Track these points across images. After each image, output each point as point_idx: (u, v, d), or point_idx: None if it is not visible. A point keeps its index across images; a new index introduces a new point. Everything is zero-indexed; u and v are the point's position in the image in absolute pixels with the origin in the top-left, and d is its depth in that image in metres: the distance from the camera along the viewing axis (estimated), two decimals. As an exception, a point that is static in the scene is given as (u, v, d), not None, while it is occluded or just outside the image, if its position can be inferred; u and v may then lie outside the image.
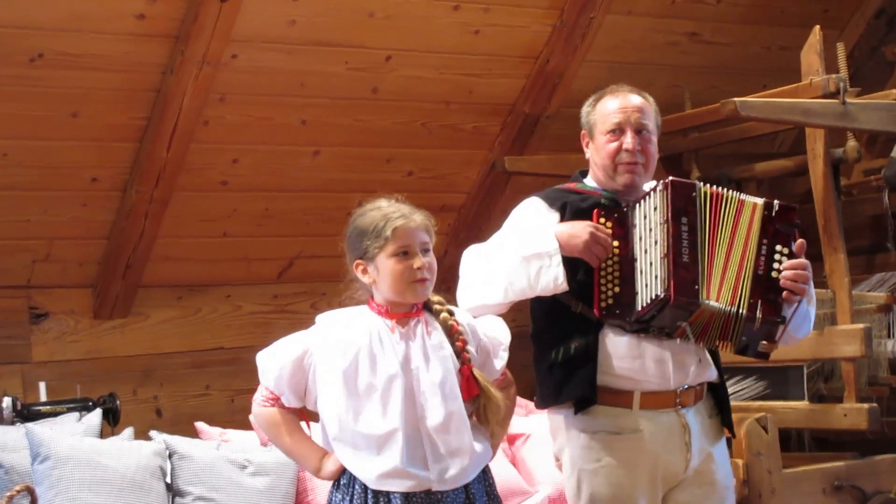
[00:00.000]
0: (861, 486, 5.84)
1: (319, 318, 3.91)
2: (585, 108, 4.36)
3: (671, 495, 4.18)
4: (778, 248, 4.09)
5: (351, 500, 3.78)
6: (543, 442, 5.91)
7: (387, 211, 3.85)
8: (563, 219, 4.17)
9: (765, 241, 4.09)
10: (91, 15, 5.57)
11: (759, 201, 4.13)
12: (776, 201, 4.15)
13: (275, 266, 6.92)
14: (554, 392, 4.18)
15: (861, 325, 5.86)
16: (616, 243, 4.09)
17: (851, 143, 6.22)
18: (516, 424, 5.97)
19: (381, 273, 3.81)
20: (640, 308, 4.02)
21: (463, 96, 6.74)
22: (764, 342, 4.10)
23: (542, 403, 4.28)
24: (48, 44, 5.59)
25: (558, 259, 4.01)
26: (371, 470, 3.73)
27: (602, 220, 4.11)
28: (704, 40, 7.29)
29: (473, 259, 4.18)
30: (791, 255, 4.09)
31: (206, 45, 5.73)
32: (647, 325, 4.07)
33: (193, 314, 6.72)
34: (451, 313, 3.91)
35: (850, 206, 6.79)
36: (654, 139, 4.28)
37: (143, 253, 6.33)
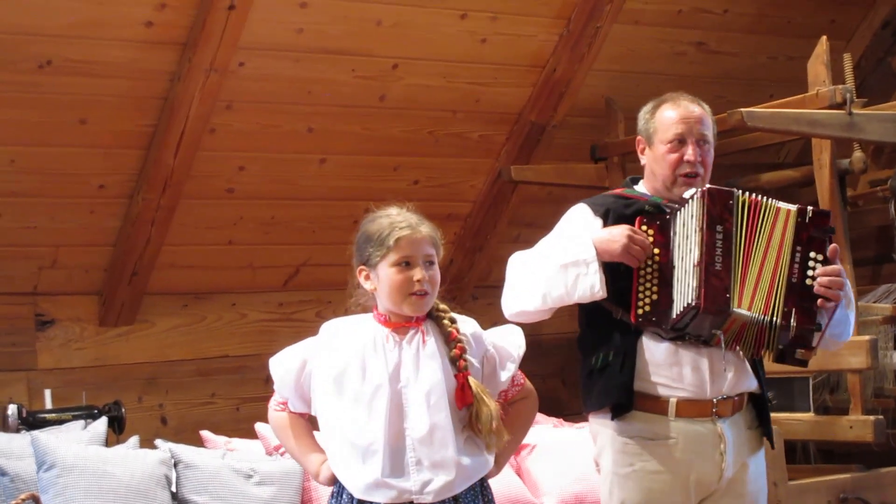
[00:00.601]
0: (866, 499, 5.83)
1: (324, 325, 3.91)
2: (644, 115, 4.34)
3: None
4: (812, 254, 4.07)
5: None
6: (549, 452, 5.92)
7: (394, 220, 3.83)
8: (605, 225, 4.18)
9: (798, 248, 4.07)
10: (99, 22, 5.59)
11: (793, 208, 4.11)
12: (810, 207, 4.13)
13: (281, 274, 6.92)
14: (593, 398, 4.20)
15: (867, 337, 5.85)
16: (657, 250, 4.09)
17: (858, 153, 6.23)
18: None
19: (381, 281, 3.80)
20: (675, 315, 4.02)
21: (469, 105, 6.74)
22: (801, 350, 4.10)
23: (585, 409, 4.30)
24: (56, 50, 5.60)
25: (595, 266, 4.03)
26: (356, 479, 3.73)
27: (644, 227, 4.12)
28: (711, 50, 7.30)
29: (516, 266, 4.22)
30: (825, 261, 4.08)
31: (213, 53, 5.74)
32: (683, 332, 4.07)
33: (199, 322, 6.73)
34: (452, 321, 3.89)
35: (855, 216, 6.80)
36: (712, 149, 4.28)
37: (149, 260, 6.33)
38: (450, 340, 3.83)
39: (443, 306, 3.90)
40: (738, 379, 4.16)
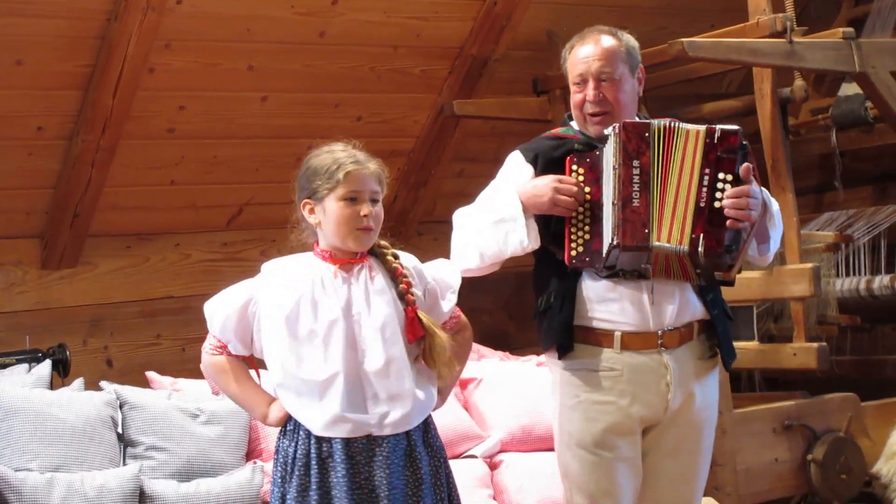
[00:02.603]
0: (811, 425, 5.90)
1: (265, 266, 3.92)
2: (563, 54, 4.32)
3: (649, 435, 4.20)
4: (721, 175, 4.00)
5: (296, 447, 3.79)
6: (496, 386, 5.94)
7: (341, 155, 3.84)
8: (536, 171, 4.17)
9: (707, 170, 4.00)
10: (33, -39, 5.52)
11: (702, 128, 4.04)
12: (718, 126, 4.04)
13: (224, 213, 6.89)
14: (542, 338, 4.23)
15: (809, 265, 5.89)
16: (588, 189, 4.07)
17: (799, 82, 6.24)
18: (468, 369, 5.98)
19: (327, 215, 3.80)
20: (604, 254, 4.02)
21: (411, 40, 6.71)
22: (719, 273, 4.10)
23: (542, 349, 4.33)
24: (-10, -9, 5.53)
25: (522, 221, 4.05)
26: (314, 416, 3.76)
27: (574, 166, 4.10)
28: (652, -19, 7.29)
29: (457, 224, 4.25)
30: (736, 181, 4.00)
31: (150, -9, 5.68)
32: (615, 269, 4.07)
33: (142, 263, 6.69)
34: (395, 256, 3.91)
35: (797, 145, 6.83)
36: (626, 83, 4.21)
37: (91, 202, 6.28)
38: (396, 276, 3.86)
39: (384, 242, 3.92)
40: (681, 309, 4.16)
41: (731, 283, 4.17)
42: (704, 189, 4.00)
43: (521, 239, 4.07)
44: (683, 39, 5.69)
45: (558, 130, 4.33)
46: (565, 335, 4.14)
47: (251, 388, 3.94)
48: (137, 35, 5.78)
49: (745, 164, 4.02)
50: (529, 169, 4.20)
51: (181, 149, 6.48)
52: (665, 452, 4.21)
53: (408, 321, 3.82)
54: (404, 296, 3.84)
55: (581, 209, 4.07)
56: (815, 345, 5.90)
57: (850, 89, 6.64)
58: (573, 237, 4.07)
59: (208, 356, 3.96)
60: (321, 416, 3.74)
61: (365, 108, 6.86)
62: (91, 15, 5.78)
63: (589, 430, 4.14)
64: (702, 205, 4.00)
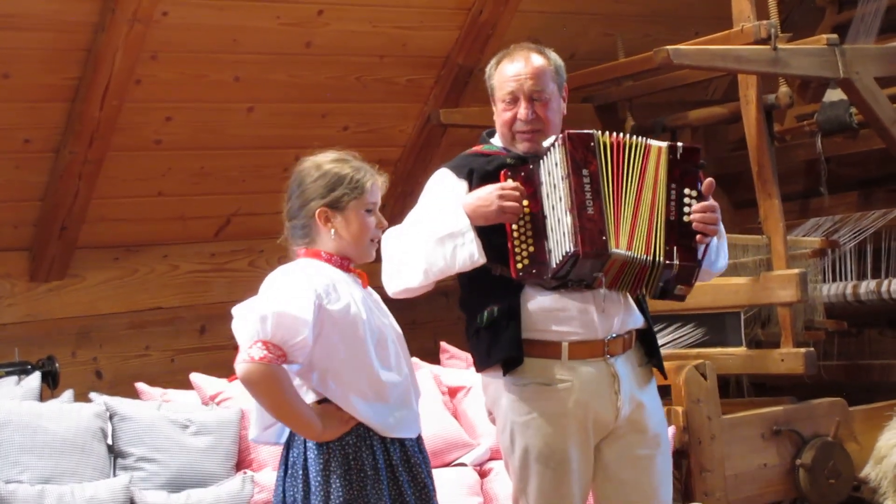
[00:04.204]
0: (799, 430, 5.91)
1: (296, 267, 3.79)
2: (488, 71, 4.30)
3: (603, 445, 4.19)
4: (686, 191, 4.08)
5: (372, 453, 3.75)
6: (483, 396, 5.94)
7: (360, 164, 3.87)
8: (470, 186, 4.15)
9: (673, 185, 4.07)
10: (19, -26, 5.52)
11: (664, 145, 4.10)
12: (679, 143, 4.14)
13: (212, 224, 6.89)
14: (483, 355, 4.18)
15: (796, 271, 5.90)
16: (526, 202, 4.05)
17: (784, 88, 6.26)
18: (458, 378, 6.00)
19: (350, 225, 3.82)
20: (555, 265, 4.01)
21: (397, 49, 6.72)
22: (681, 286, 4.13)
23: (477, 367, 4.29)
24: (-25, 4, 5.53)
25: (471, 235, 4.00)
26: (390, 418, 3.77)
27: (509, 180, 4.09)
28: (637, -11, 7.31)
29: (392, 243, 4.12)
30: (700, 197, 4.09)
31: (136, 3, 5.68)
32: (566, 279, 4.07)
33: (131, 275, 6.68)
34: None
35: (783, 151, 6.85)
36: (554, 102, 4.22)
37: (79, 214, 6.28)
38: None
39: None
40: (625, 317, 4.18)
41: (683, 298, 4.20)
42: (672, 203, 4.07)
43: (471, 253, 4.01)
44: (668, 47, 5.71)
45: (481, 147, 4.32)
46: (515, 349, 4.10)
47: (301, 400, 3.72)
48: (124, 47, 5.80)
49: (709, 180, 4.11)
50: (464, 185, 4.17)
51: (168, 160, 6.49)
52: (627, 459, 4.20)
53: None
54: None
55: (521, 222, 4.06)
56: (802, 350, 5.91)
57: (834, 95, 6.66)
58: (517, 250, 4.05)
59: (257, 366, 3.59)
60: (401, 417, 3.79)
61: (352, 118, 6.88)
62: (77, 27, 5.79)
63: (547, 444, 4.11)
64: (672, 218, 4.06)
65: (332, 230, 3.82)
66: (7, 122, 5.95)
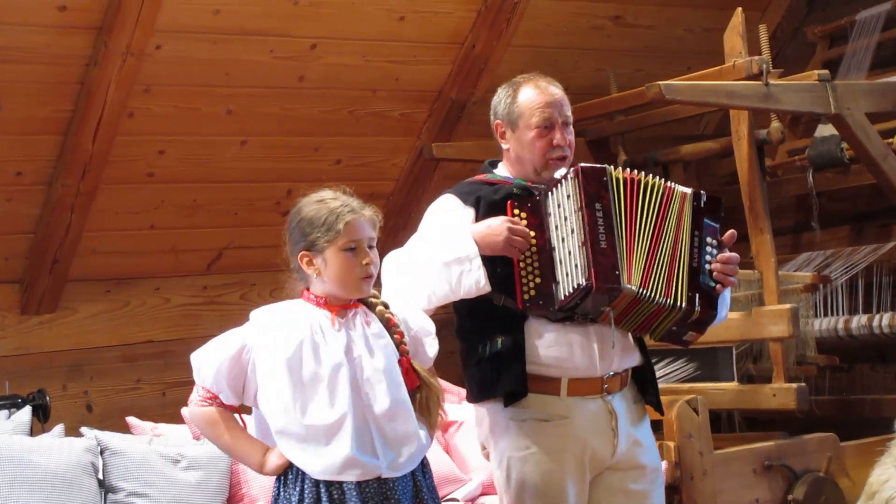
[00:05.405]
0: (791, 466, 5.90)
1: (254, 313, 3.87)
2: (503, 99, 4.32)
3: (599, 480, 4.20)
4: (708, 239, 4.12)
5: (301, 496, 3.74)
6: (476, 429, 5.93)
7: (335, 204, 3.82)
8: (477, 213, 4.16)
9: (696, 232, 4.11)
10: (12, 7, 5.51)
11: (688, 191, 4.14)
12: (703, 192, 4.17)
13: (204, 257, 6.88)
14: (485, 387, 4.17)
15: (788, 306, 5.91)
16: (532, 233, 4.07)
17: (775, 124, 6.27)
18: (449, 412, 5.98)
19: (329, 266, 3.79)
20: (563, 297, 4.01)
21: (389, 83, 6.73)
22: (693, 332, 4.14)
23: (472, 398, 4.28)
24: (-32, 38, 5.54)
25: (478, 262, 4.00)
26: (320, 462, 3.71)
27: (516, 210, 4.11)
28: (628, 24, 7.32)
29: (394, 267, 4.14)
30: (720, 246, 4.14)
31: (129, 36, 5.68)
32: (572, 312, 4.07)
33: (122, 308, 6.67)
34: (385, 306, 3.90)
35: (774, 186, 6.86)
36: (572, 129, 4.31)
37: (70, 247, 6.27)
38: (389, 326, 3.86)
39: (373, 291, 3.91)
40: (624, 354, 4.20)
41: (689, 345, 4.22)
42: (696, 250, 4.10)
43: (477, 279, 4.00)
44: (661, 82, 5.72)
45: (485, 176, 4.34)
46: (520, 383, 4.10)
47: (244, 437, 3.87)
48: (117, 80, 5.80)
49: (731, 232, 4.18)
50: (471, 212, 4.18)
51: (161, 193, 6.48)
52: (621, 492, 4.21)
53: (403, 371, 3.82)
54: (399, 346, 3.85)
55: (528, 253, 4.07)
56: (794, 385, 5.91)
57: (825, 130, 6.68)
58: (524, 280, 4.07)
59: (197, 408, 3.88)
60: (330, 461, 3.70)
61: (344, 152, 6.88)
62: (70, 60, 5.79)
63: (543, 481, 4.11)
64: (694, 265, 4.09)
65: (315, 273, 3.82)
66: (-1, 155, 5.96)
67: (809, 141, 6.86)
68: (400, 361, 3.81)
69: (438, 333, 4.02)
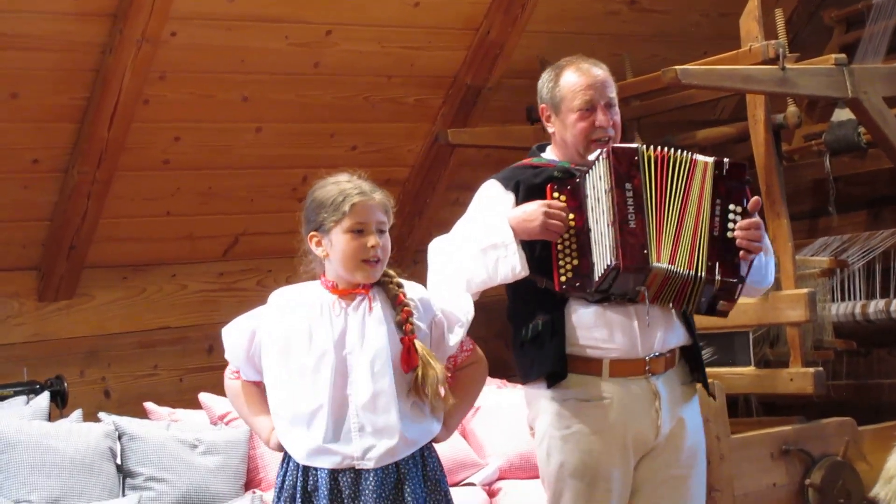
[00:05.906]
0: (808, 450, 5.88)
1: (273, 294, 3.91)
2: (546, 83, 4.32)
3: (644, 462, 4.20)
4: (731, 207, 4.09)
5: (285, 475, 3.82)
6: (493, 414, 5.94)
7: (346, 186, 3.83)
8: (517, 198, 4.18)
9: (717, 201, 4.08)
10: (27, -5, 5.53)
11: (710, 160, 4.12)
12: (726, 159, 4.14)
13: (220, 244, 6.89)
14: (527, 368, 4.21)
15: (805, 290, 5.89)
16: (571, 215, 4.08)
17: (792, 108, 6.25)
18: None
19: (334, 247, 3.80)
20: (597, 278, 4.03)
21: (405, 69, 6.73)
22: (723, 301, 4.13)
23: (520, 380, 4.32)
24: (-15, 25, 5.54)
25: (514, 248, 4.03)
26: (300, 445, 3.77)
27: (556, 193, 4.11)
28: (644, 8, 7.31)
29: (437, 254, 4.21)
30: (745, 213, 4.10)
31: (144, 23, 5.69)
32: (608, 293, 4.08)
33: (139, 294, 6.69)
34: (399, 285, 3.90)
35: (791, 171, 6.84)
36: (618, 109, 4.30)
37: (87, 234, 6.29)
38: (396, 304, 3.86)
39: (390, 272, 3.91)
40: (667, 334, 4.19)
41: (727, 314, 4.19)
42: (717, 219, 4.08)
43: (513, 265, 4.04)
44: (676, 67, 5.70)
45: (530, 160, 4.35)
46: (559, 363, 4.13)
47: (259, 410, 3.94)
48: (132, 67, 5.80)
49: (755, 198, 4.12)
50: (511, 197, 4.21)
51: (176, 180, 6.49)
52: (661, 480, 4.22)
53: (404, 350, 3.81)
54: (403, 325, 3.83)
55: (566, 235, 4.08)
56: (811, 370, 5.89)
57: (842, 115, 6.66)
58: (561, 263, 4.08)
59: (226, 380, 4.03)
60: (305, 446, 3.76)
61: (359, 138, 6.88)
62: (86, 48, 5.80)
63: (583, 461, 4.13)
64: (715, 234, 4.07)
65: (324, 254, 3.84)
66: (15, 143, 5.96)
67: (826, 125, 6.84)
68: (402, 340, 3.81)
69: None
